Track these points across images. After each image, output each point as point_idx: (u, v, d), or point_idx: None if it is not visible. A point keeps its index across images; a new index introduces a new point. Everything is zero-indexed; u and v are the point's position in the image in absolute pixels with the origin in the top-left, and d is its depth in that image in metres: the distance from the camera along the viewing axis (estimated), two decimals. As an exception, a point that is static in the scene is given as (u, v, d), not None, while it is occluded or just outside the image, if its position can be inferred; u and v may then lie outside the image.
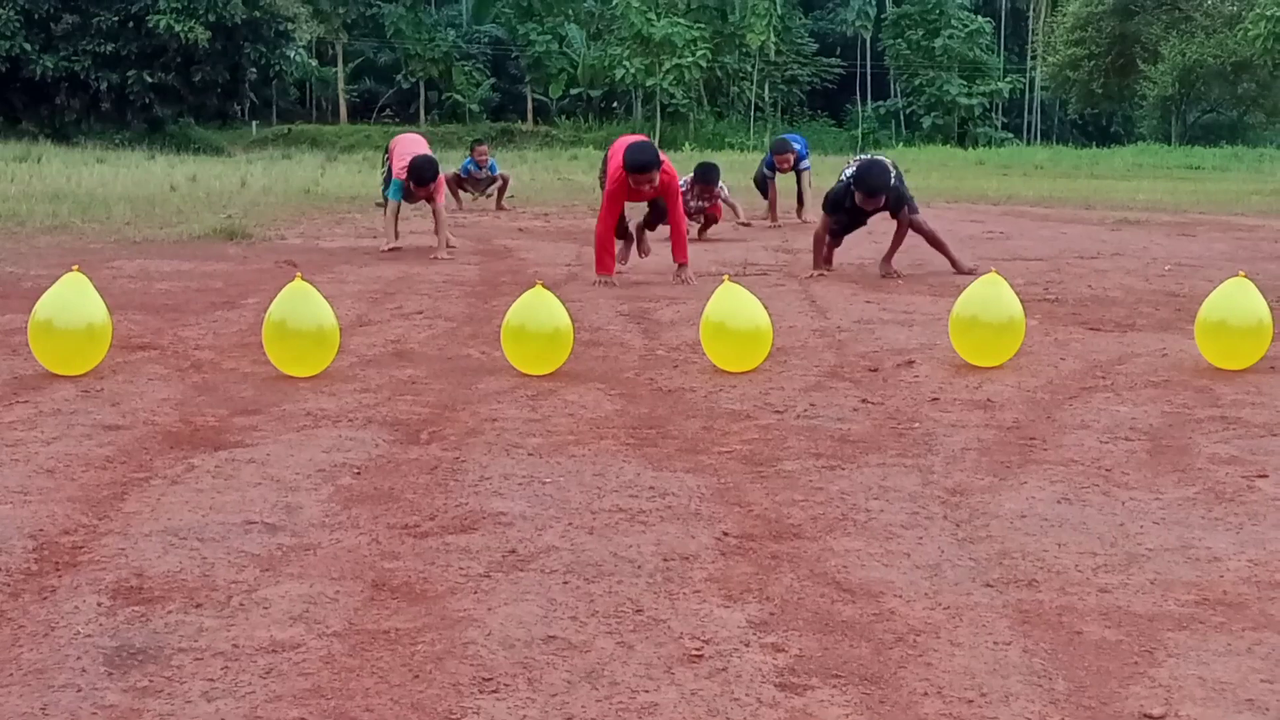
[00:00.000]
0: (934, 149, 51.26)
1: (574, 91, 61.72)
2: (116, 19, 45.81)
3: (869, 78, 64.93)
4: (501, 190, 16.66)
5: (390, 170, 11.43)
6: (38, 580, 3.14)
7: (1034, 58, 64.76)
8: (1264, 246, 12.79)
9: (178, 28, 45.10)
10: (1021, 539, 3.58)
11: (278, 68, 50.26)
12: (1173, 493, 4.05)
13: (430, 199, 11.25)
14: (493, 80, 62.14)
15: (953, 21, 61.83)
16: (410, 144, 11.64)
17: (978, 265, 9.40)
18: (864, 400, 5.37)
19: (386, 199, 11.67)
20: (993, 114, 64.19)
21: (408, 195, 11.21)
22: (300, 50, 54.19)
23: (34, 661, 2.67)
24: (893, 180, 9.19)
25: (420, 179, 10.91)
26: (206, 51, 46.23)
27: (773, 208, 14.75)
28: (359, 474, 4.16)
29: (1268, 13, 47.21)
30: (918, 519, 3.75)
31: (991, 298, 6.04)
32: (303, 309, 5.65)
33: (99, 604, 2.98)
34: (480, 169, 16.69)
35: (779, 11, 59.06)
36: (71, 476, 4.06)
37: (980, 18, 63.33)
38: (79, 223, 13.29)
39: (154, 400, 5.18)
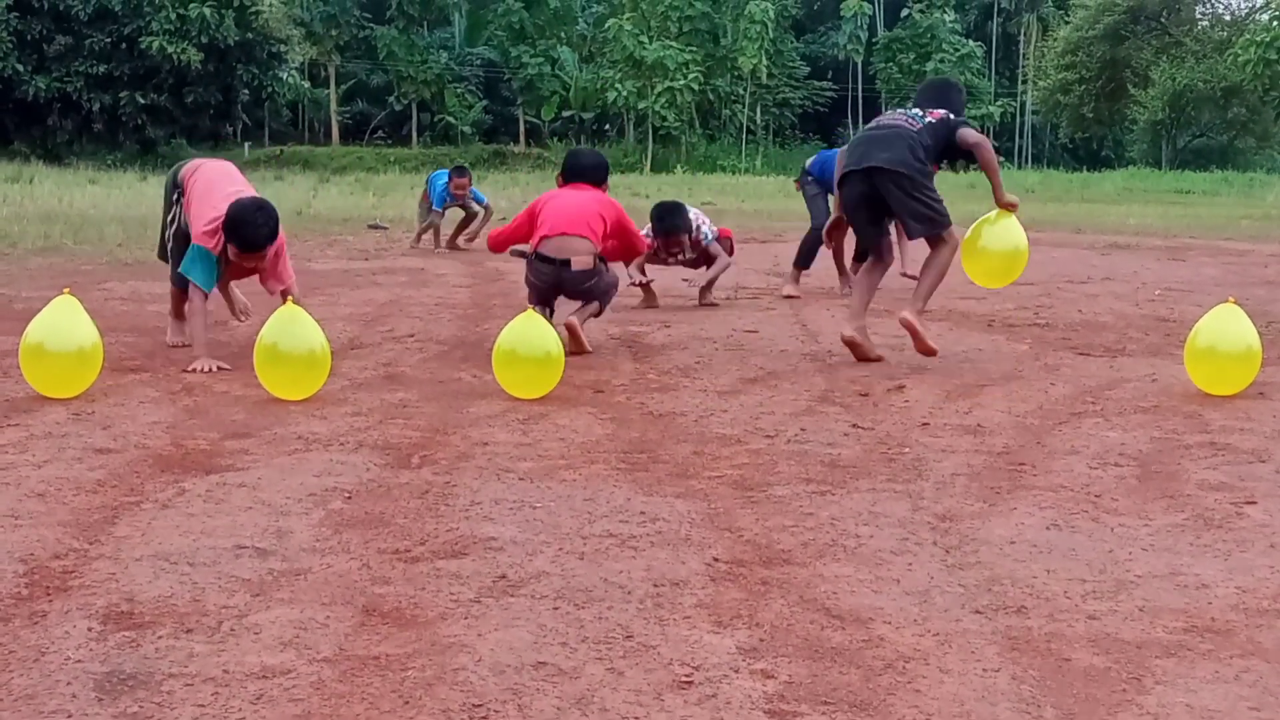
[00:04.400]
0: (925, 172, 51.23)
1: (566, 114, 61.82)
2: (109, 40, 45.96)
3: (860, 101, 65.09)
4: (466, 226, 14.34)
5: (179, 222, 6.88)
6: (28, 605, 3.14)
7: (1025, 82, 65.00)
8: (1254, 271, 12.85)
9: (170, 49, 45.26)
10: (1011, 565, 3.59)
11: (270, 89, 50.46)
12: (1162, 519, 4.06)
13: (268, 276, 6.72)
14: (485, 102, 62.24)
15: (944, 46, 62.04)
16: (217, 182, 6.74)
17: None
18: (854, 425, 5.38)
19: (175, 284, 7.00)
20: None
21: (227, 271, 6.82)
22: (293, 72, 54.43)
23: (24, 687, 2.67)
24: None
25: (247, 241, 6.42)
26: (199, 73, 46.43)
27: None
28: (350, 498, 4.16)
29: (1258, 38, 47.47)
30: (907, 545, 3.76)
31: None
32: (294, 332, 5.65)
33: (89, 629, 2.98)
34: (456, 202, 14.16)
35: (771, 35, 59.20)
36: (62, 500, 4.06)
37: (971, 42, 63.57)
38: (71, 244, 13.30)
39: (145, 423, 5.18)
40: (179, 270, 6.69)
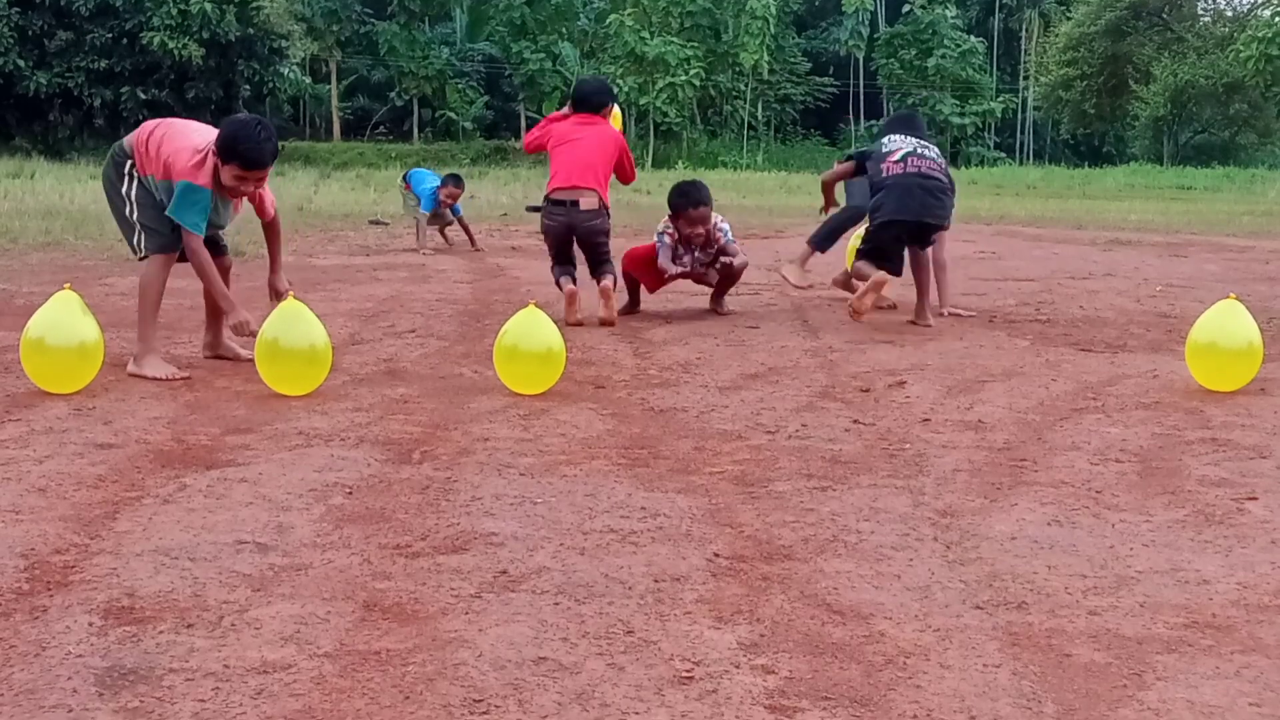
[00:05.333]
0: (926, 168, 51.27)
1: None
2: (110, 36, 45.94)
3: (862, 97, 65.11)
4: (469, 231, 14.10)
5: (136, 189, 6.10)
6: (29, 600, 3.14)
7: (1026, 78, 64.98)
8: (1255, 267, 12.85)
9: (171, 45, 45.25)
10: (1011, 561, 3.59)
11: (271, 85, 50.44)
12: (1162, 515, 4.06)
13: (261, 200, 6.27)
14: (486, 98, 62.26)
15: (945, 41, 62.06)
16: (184, 127, 6.19)
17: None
18: (855, 421, 5.38)
19: (144, 250, 6.14)
20: (985, 134, 64.42)
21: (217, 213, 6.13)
22: (294, 67, 54.41)
23: (25, 682, 2.67)
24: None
25: (251, 158, 5.90)
26: (200, 68, 46.42)
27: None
28: (351, 493, 4.16)
29: (1259, 34, 47.46)
30: (908, 540, 3.76)
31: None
32: (295, 328, 5.65)
33: (90, 624, 2.98)
34: (444, 210, 13.89)
35: (772, 31, 59.22)
36: (63, 495, 4.06)
37: (973, 38, 63.59)
38: (72, 239, 13.30)
39: (146, 419, 5.17)
40: (142, 244, 6.07)
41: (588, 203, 8.05)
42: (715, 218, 8.32)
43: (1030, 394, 5.95)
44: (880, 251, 8.05)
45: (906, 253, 8.15)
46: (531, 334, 5.77)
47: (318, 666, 2.78)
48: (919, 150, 7.98)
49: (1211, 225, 19.93)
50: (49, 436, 4.82)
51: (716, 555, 3.59)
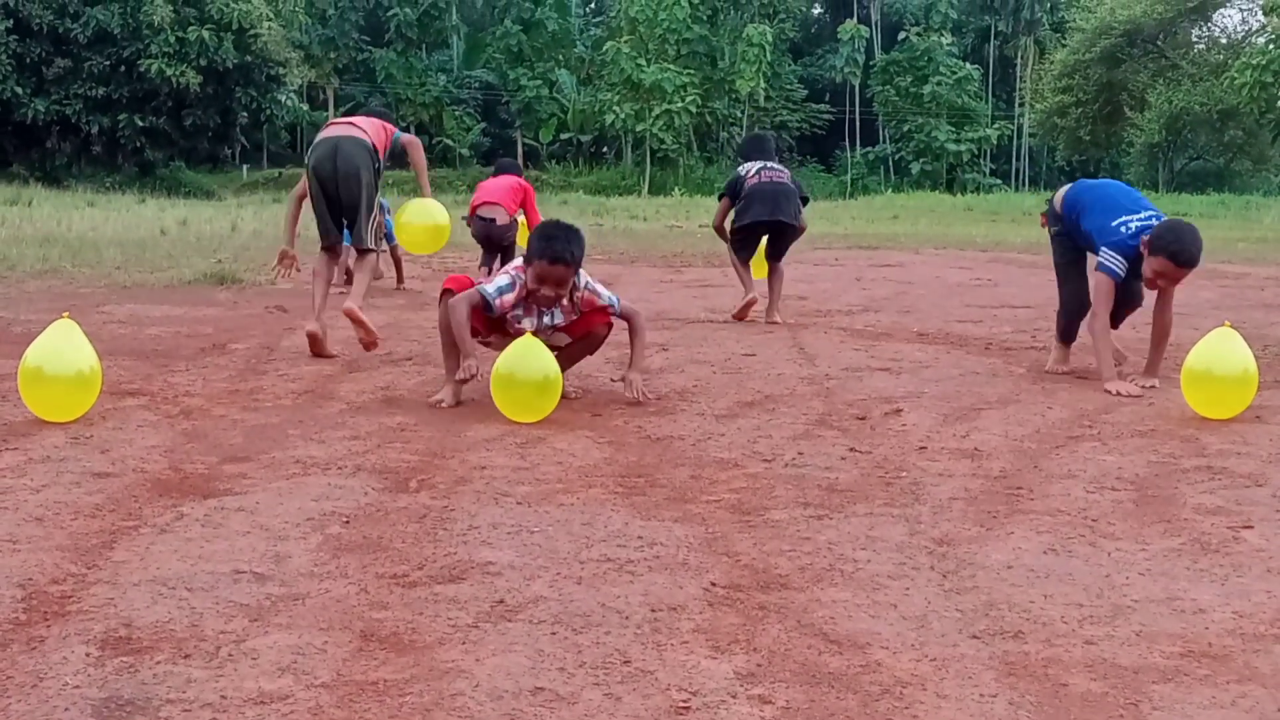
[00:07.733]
0: (922, 195, 51.62)
1: (564, 136, 62.03)
2: (108, 63, 46.09)
3: (858, 124, 65.34)
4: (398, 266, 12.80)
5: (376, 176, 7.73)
6: (26, 630, 3.14)
7: (1022, 105, 65.17)
8: (1250, 294, 12.86)
9: (169, 72, 45.39)
10: (1008, 590, 3.59)
11: (269, 112, 50.57)
12: (1158, 543, 4.07)
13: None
14: (483, 125, 62.43)
15: (941, 69, 62.33)
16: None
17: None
18: (852, 449, 5.38)
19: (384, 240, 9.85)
20: (981, 160, 64.61)
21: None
22: (291, 94, 54.54)
23: (22, 713, 2.67)
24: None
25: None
26: (198, 95, 46.55)
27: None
28: (348, 523, 4.16)
29: (1254, 61, 47.61)
30: (905, 569, 3.76)
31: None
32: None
33: (87, 654, 2.98)
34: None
35: (769, 58, 59.44)
36: (60, 525, 4.06)
37: (968, 65, 63.84)
38: (69, 267, 13.30)
39: (143, 447, 5.18)
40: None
41: (501, 219, 11.32)
42: (585, 277, 6.33)
43: (1026, 422, 5.96)
44: (745, 244, 9.88)
45: (769, 264, 9.97)
46: (528, 362, 5.77)
47: (315, 697, 2.78)
48: (768, 165, 9.77)
49: (1207, 252, 19.86)
50: (46, 465, 4.82)
51: (713, 584, 3.59)
